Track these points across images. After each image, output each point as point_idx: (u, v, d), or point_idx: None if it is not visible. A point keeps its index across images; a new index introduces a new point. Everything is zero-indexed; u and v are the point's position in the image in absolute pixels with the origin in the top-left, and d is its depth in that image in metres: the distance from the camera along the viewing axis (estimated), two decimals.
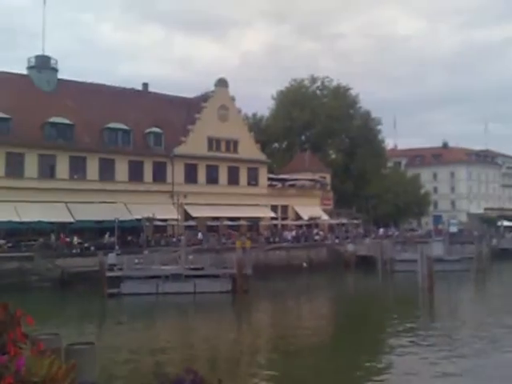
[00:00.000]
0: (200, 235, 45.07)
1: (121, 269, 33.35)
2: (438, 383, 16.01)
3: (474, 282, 41.18)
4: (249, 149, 52.42)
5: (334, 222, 57.63)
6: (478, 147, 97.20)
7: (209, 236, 45.49)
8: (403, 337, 21.78)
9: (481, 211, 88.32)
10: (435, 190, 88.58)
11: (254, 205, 50.49)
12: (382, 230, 63.04)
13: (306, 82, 73.45)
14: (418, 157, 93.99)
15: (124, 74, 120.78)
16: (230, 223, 48.45)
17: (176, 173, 47.75)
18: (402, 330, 23.11)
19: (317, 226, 54.69)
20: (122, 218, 39.59)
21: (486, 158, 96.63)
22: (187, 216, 45.91)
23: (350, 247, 50.13)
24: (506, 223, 78.90)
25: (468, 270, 43.52)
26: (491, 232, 71.32)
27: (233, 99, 52.33)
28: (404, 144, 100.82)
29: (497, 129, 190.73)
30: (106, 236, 40.40)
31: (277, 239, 48.67)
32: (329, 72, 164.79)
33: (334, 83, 72.53)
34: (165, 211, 43.52)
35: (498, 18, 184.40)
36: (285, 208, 55.14)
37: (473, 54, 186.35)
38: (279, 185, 56.52)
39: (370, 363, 18.20)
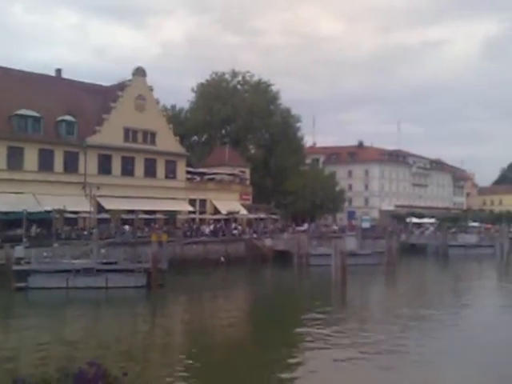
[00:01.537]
0: (127, 227, 43.92)
1: (28, 262, 31.77)
2: (350, 375, 16.16)
3: (385, 275, 42.63)
4: (167, 141, 51.40)
5: (252, 216, 57.81)
6: (391, 147, 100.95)
7: (127, 229, 44.26)
8: (315, 329, 22.04)
9: (392, 208, 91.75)
10: (350, 187, 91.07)
11: (171, 198, 49.63)
12: (306, 226, 64.30)
13: (227, 76, 73.18)
14: (335, 155, 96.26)
15: (36, 59, 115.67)
16: (145, 216, 47.32)
17: (89, 163, 45.96)
18: (315, 323, 23.38)
19: (235, 220, 54.60)
20: (30, 210, 37.51)
21: (397, 157, 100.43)
22: (100, 208, 44.37)
23: (268, 242, 50.46)
24: (414, 220, 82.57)
25: (379, 264, 45.16)
26: (401, 228, 74.31)
27: (151, 89, 51.07)
28: (322, 142, 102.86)
29: (409, 129, 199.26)
30: (34, 228, 38.28)
31: (194, 233, 48.08)
32: (250, 67, 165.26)
33: (255, 78, 72.79)
34: (76, 203, 41.91)
35: (413, 22, 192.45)
36: (203, 202, 54.65)
37: (389, 56, 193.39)
38: (198, 178, 55.93)
39: (282, 357, 18.22)
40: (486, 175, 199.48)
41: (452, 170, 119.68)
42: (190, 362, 17.76)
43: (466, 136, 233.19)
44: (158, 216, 48.70)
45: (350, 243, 48.89)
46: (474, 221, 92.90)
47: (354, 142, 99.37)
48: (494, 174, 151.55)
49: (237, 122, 68.13)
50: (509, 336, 21.41)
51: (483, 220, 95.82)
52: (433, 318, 25.12)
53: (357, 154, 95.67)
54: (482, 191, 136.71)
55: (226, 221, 53.44)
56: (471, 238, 67.13)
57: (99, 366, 3.37)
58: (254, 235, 52.54)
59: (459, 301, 31.81)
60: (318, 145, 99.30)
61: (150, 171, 50.12)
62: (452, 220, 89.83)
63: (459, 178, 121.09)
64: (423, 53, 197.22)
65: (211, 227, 50.74)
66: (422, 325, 23.26)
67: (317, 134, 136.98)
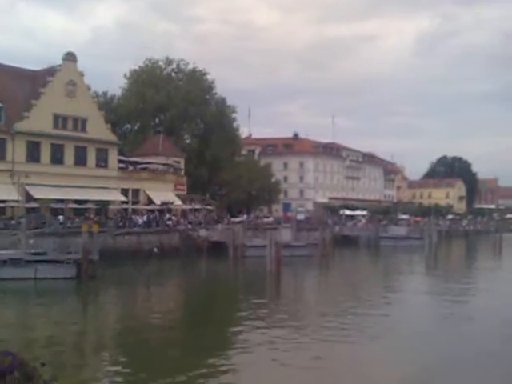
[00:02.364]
0: (61, 218, 42.20)
1: None
2: (284, 366, 15.94)
3: (318, 266, 43.01)
4: (98, 128, 49.58)
5: (187, 207, 56.96)
6: (325, 139, 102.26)
7: (61, 220, 42.59)
8: (249, 320, 21.84)
9: (326, 200, 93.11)
10: (286, 178, 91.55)
11: (102, 188, 48.01)
12: (245, 217, 64.33)
13: (161, 63, 71.49)
14: (271, 146, 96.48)
15: None
16: (76, 206, 45.63)
17: (17, 151, 43.76)
18: (249, 314, 23.19)
19: (169, 211, 53.60)
20: None
21: (332, 150, 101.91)
22: (29, 197, 42.38)
23: (203, 233, 49.98)
24: (347, 212, 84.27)
25: (313, 255, 45.59)
26: (334, 220, 75.61)
27: (81, 75, 49.07)
28: (258, 133, 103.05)
29: (343, 122, 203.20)
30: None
31: (127, 224, 46.85)
32: (185, 55, 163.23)
33: (190, 67, 71.49)
34: (4, 191, 39.94)
35: (348, 16, 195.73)
36: (136, 192, 53.23)
37: (323, 48, 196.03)
38: (130, 168, 54.44)
39: (215, 349, 17.89)
40: (415, 169, 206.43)
41: (383, 163, 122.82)
42: (116, 354, 17.24)
43: (397, 130, 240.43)
44: (89, 206, 47.07)
45: (285, 235, 49.21)
46: (404, 213, 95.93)
47: (289, 134, 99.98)
48: (424, 168, 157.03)
49: (171, 110, 66.73)
50: (430, 319, 23.16)
51: (413, 213, 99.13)
52: (364, 306, 25.62)
53: (292, 145, 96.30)
54: (412, 185, 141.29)
55: (160, 211, 52.39)
56: (401, 230, 69.26)
57: (15, 355, 3.29)
58: (189, 226, 51.85)
59: (389, 289, 32.52)
60: (254, 136, 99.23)
61: (81, 159, 48.29)
62: (383, 212, 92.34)
63: (390, 171, 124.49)
64: (357, 47, 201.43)
65: (144, 218, 49.60)
66: (353, 312, 23.59)
67: (253, 125, 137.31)
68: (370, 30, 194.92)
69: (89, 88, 51.39)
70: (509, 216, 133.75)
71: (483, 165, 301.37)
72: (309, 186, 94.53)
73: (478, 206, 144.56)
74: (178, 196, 56.66)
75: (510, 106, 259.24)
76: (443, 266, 47.01)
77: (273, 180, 75.29)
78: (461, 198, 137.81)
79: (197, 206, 57.78)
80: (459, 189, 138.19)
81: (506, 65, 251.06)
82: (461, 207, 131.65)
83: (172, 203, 54.05)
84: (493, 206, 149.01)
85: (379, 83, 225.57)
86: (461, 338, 19.75)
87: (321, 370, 15.42)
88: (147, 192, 53.85)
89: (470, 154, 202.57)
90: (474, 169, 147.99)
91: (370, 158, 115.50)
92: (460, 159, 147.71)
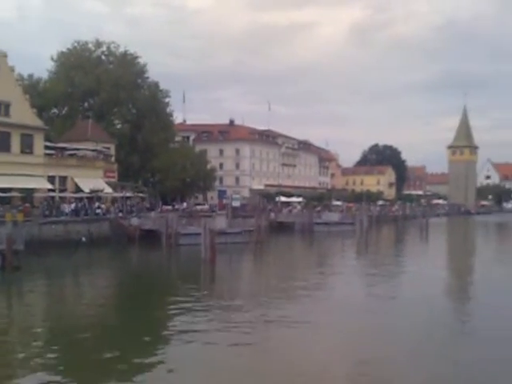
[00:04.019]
0: None
1: None
2: (217, 354, 15.46)
3: (254, 252, 42.81)
4: (23, 113, 46.96)
5: (117, 195, 55.23)
6: (262, 126, 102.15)
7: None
8: (183, 309, 21.19)
9: (262, 187, 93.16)
10: (221, 165, 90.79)
11: (27, 175, 45.64)
12: (185, 204, 63.35)
13: (91, 46, 68.81)
14: (206, 133, 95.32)
15: None
16: None
17: None
18: (182, 302, 22.44)
19: (99, 199, 51.76)
20: None
21: (268, 137, 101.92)
22: None
23: (135, 221, 48.62)
24: (283, 199, 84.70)
25: (248, 242, 45.34)
26: (270, 206, 75.73)
27: (4, 56, 46.36)
28: (193, 119, 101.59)
29: (279, 109, 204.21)
30: None
31: (54, 212, 44.84)
32: (116, 38, 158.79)
33: (121, 50, 69.19)
34: None
35: (284, 3, 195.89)
36: (63, 179, 51.00)
37: (259, 35, 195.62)
38: (58, 154, 52.13)
39: (147, 339, 17.27)
40: (348, 157, 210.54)
41: (318, 150, 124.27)
42: (41, 346, 16.26)
43: (331, 118, 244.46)
44: (14, 194, 44.72)
45: (220, 222, 48.61)
46: (338, 200, 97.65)
47: (225, 121, 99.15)
48: (356, 156, 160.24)
49: (101, 94, 64.39)
50: (359, 298, 23.92)
51: (346, 199, 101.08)
52: (298, 289, 25.70)
53: (228, 132, 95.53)
54: (345, 172, 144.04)
55: (89, 199, 50.51)
56: (334, 216, 70.18)
57: None
58: (120, 214, 50.32)
59: (321, 273, 32.80)
60: (189, 122, 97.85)
61: (4, 145, 45.66)
62: (318, 199, 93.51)
63: (325, 158, 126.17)
64: (293, 34, 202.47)
65: (72, 206, 47.60)
66: (288, 296, 23.67)
67: (187, 111, 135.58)
68: (306, 18, 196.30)
69: (12, 70, 48.63)
70: (435, 202, 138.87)
71: (412, 153, 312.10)
72: (245, 173, 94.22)
73: (406, 192, 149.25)
74: (109, 183, 54.89)
75: (438, 96, 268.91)
76: (373, 250, 47.87)
77: (208, 167, 74.30)
78: (391, 185, 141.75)
79: (128, 194, 56.15)
80: (389, 176, 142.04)
81: (434, 56, 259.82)
82: (391, 193, 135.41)
83: (102, 191, 52.21)
84: (420, 192, 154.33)
85: (315, 71, 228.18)
86: (386, 313, 20.86)
87: (252, 351, 15.47)
88: (75, 179, 51.81)
89: (400, 142, 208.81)
90: (403, 157, 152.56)
91: (305, 146, 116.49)
92: (390, 147, 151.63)
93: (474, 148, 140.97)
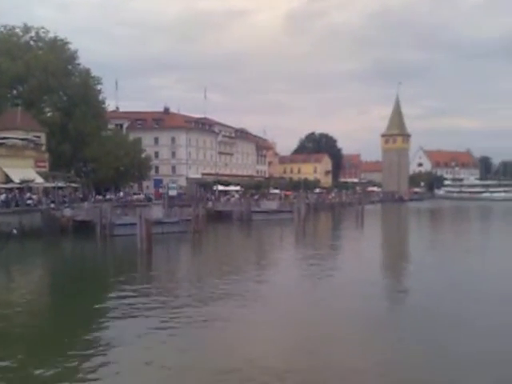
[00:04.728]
0: None
1: None
2: (159, 347, 15.12)
3: (192, 242, 42.45)
4: None
5: (49, 185, 53.25)
6: (197, 114, 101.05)
7: None
8: (118, 301, 20.76)
9: (199, 176, 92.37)
10: (156, 154, 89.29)
11: None
12: (122, 194, 61.83)
13: (18, 31, 65.69)
14: (140, 120, 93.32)
15: None
16: None
17: None
18: (118, 294, 22.02)
19: (30, 189, 49.78)
20: None
21: (204, 125, 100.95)
22: None
23: (67, 212, 47.11)
24: (220, 187, 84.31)
25: (186, 232, 44.91)
26: (208, 195, 75.27)
27: None
28: (127, 107, 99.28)
29: (215, 97, 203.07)
30: None
31: None
32: (46, 23, 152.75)
33: (51, 35, 66.45)
34: None
35: None
36: None
37: (195, 22, 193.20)
38: None
39: (83, 333, 16.73)
40: (286, 145, 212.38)
41: (255, 139, 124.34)
42: None
43: (268, 106, 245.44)
44: None
45: (156, 211, 47.96)
46: (275, 188, 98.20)
47: (160, 108, 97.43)
48: (293, 144, 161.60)
49: (30, 81, 61.63)
50: (295, 281, 24.73)
51: (283, 187, 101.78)
52: (238, 278, 25.63)
53: (163, 120, 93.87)
54: (283, 160, 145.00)
55: (20, 190, 48.51)
56: (272, 204, 70.50)
57: None
58: (52, 205, 48.56)
59: (259, 261, 32.93)
60: (122, 109, 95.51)
61: None
62: (255, 187, 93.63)
63: (262, 147, 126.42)
64: (229, 21, 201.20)
65: (2, 197, 45.70)
66: (228, 285, 23.42)
67: (121, 99, 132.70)
68: (242, 5, 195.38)
69: None
70: (370, 189, 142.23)
71: (347, 141, 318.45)
72: (181, 162, 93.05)
73: (342, 180, 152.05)
74: (40, 173, 52.90)
75: (372, 85, 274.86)
76: (311, 237, 48.44)
77: (143, 155, 72.79)
78: (327, 173, 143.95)
79: (60, 184, 54.26)
80: (326, 164, 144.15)
81: (369, 45, 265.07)
82: (327, 181, 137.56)
83: (32, 181, 50.27)
84: (356, 180, 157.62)
85: (251, 59, 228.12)
86: (324, 297, 21.20)
87: (187, 343, 15.27)
88: (4, 169, 49.72)
89: (336, 131, 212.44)
90: (339, 145, 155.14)
91: (242, 134, 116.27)
92: (326, 136, 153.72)
93: (406, 136, 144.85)
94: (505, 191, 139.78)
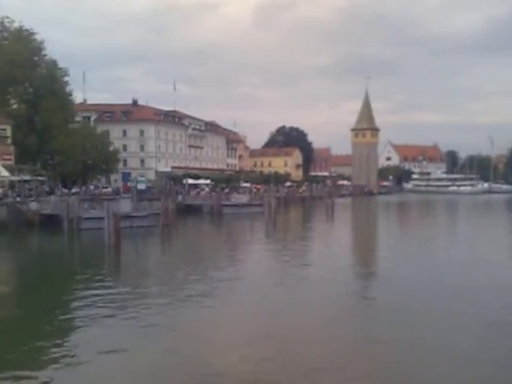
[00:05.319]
0: None
1: None
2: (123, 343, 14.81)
3: (161, 236, 42.00)
4: None
5: (15, 178, 52.22)
6: (167, 107, 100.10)
7: None
8: (85, 297, 20.21)
9: (168, 169, 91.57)
10: (125, 147, 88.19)
11: None
12: (92, 187, 60.77)
13: None
14: (108, 113, 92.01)
15: None
16: None
17: None
18: (85, 290, 21.45)
19: None
20: None
21: (173, 118, 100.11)
22: None
23: (34, 206, 46.24)
24: (190, 181, 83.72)
25: (155, 226, 44.42)
26: (177, 189, 74.68)
27: None
28: (95, 99, 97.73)
29: (185, 90, 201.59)
30: None
31: None
32: (11, 13, 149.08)
33: (16, 25, 64.83)
34: None
35: None
36: None
37: (165, 14, 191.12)
38: None
39: (47, 329, 16.42)
40: (256, 138, 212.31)
41: (226, 132, 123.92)
42: None
43: (238, 100, 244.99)
44: None
45: (125, 205, 47.34)
46: (246, 181, 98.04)
47: (128, 101, 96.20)
48: (264, 138, 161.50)
49: None
50: (267, 274, 24.70)
51: (254, 181, 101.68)
52: (208, 272, 25.42)
53: (132, 112, 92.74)
54: (253, 153, 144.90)
55: None
56: (243, 198, 70.33)
57: None
58: (18, 199, 47.59)
59: (230, 255, 32.66)
60: (90, 102, 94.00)
61: None
62: (226, 181, 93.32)
63: (232, 140, 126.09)
64: (200, 14, 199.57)
65: None
66: (197, 280, 23.12)
67: (88, 91, 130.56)
68: None
69: None
70: (340, 182, 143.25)
71: (318, 135, 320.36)
72: (150, 155, 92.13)
73: (313, 173, 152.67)
74: (5, 166, 51.83)
75: (342, 79, 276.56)
76: (282, 231, 48.40)
77: (111, 148, 71.77)
78: (298, 166, 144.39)
79: (26, 177, 53.20)
80: (296, 157, 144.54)
81: (339, 40, 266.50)
82: (298, 175, 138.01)
83: None
84: (326, 174, 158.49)
85: (221, 52, 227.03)
86: (294, 290, 21.02)
87: (158, 338, 14.99)
88: None
89: (307, 125, 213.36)
90: (310, 139, 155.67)
91: (212, 127, 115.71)
92: (297, 129, 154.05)
93: (375, 130, 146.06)
94: (471, 185, 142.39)
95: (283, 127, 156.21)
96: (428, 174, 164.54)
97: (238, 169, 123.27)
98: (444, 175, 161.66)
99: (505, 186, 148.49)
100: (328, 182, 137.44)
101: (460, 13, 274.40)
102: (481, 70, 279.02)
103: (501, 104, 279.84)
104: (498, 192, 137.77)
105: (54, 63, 66.69)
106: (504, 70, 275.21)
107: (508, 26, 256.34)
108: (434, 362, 13.19)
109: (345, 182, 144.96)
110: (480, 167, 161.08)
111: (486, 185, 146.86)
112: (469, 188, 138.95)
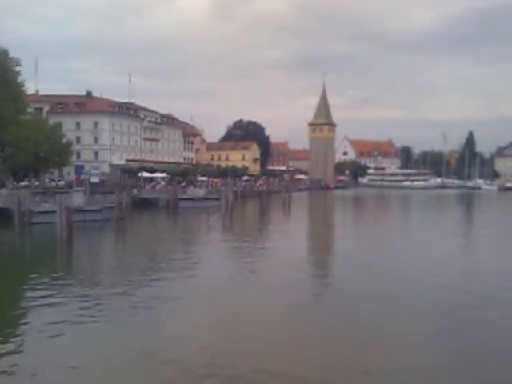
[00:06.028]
0: None
1: None
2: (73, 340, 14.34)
3: (115, 230, 41.25)
4: None
5: None
6: (122, 99, 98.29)
7: None
8: (37, 292, 19.69)
9: (123, 162, 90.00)
10: (78, 139, 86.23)
11: None
12: (47, 180, 59.03)
13: None
14: (61, 104, 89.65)
15: None
16: None
17: None
18: (37, 285, 20.91)
19: None
20: None
21: (128, 110, 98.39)
22: None
23: None
24: (145, 174, 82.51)
25: (109, 219, 43.66)
26: (132, 182, 73.51)
27: None
28: (47, 90, 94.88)
29: (141, 82, 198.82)
30: None
31: None
32: None
33: None
34: None
35: None
36: None
37: (121, 5, 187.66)
38: None
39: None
40: (213, 132, 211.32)
41: (182, 125, 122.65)
42: None
43: (195, 92, 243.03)
44: None
45: (78, 199, 46.18)
46: (203, 175, 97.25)
47: (82, 92, 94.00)
48: (221, 131, 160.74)
49: None
50: (227, 270, 24.17)
51: (211, 174, 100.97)
52: (162, 267, 25.26)
53: (85, 104, 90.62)
54: (211, 147, 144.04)
55: None
56: (199, 192, 69.81)
57: None
58: None
59: (185, 250, 32.32)
60: (42, 93, 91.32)
61: None
62: (182, 174, 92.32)
63: (189, 133, 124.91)
64: (156, 5, 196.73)
65: None
66: (151, 276, 22.76)
67: (41, 82, 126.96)
68: None
69: None
70: (297, 177, 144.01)
71: (275, 129, 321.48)
72: (104, 148, 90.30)
73: (270, 167, 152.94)
74: None
75: (299, 74, 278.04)
76: (238, 225, 48.26)
77: (64, 141, 69.87)
78: (255, 160, 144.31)
79: None
80: (254, 151, 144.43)
81: (296, 34, 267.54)
82: (255, 169, 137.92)
83: None
84: (284, 168, 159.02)
85: (178, 44, 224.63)
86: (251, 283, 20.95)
87: (110, 336, 14.72)
88: None
89: (264, 119, 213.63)
90: (267, 132, 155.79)
91: (168, 120, 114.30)
92: (254, 123, 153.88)
93: (332, 125, 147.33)
94: (424, 180, 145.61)
95: (241, 121, 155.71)
96: (383, 168, 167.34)
97: (194, 162, 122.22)
98: (398, 170, 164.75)
99: (457, 181, 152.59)
100: (285, 176, 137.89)
101: (417, 9, 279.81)
102: (435, 67, 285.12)
103: (453, 101, 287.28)
104: (450, 187, 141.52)
105: (4, 53, 64.29)
106: (457, 67, 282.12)
107: (460, 24, 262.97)
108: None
109: (302, 177, 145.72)
110: (433, 162, 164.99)
111: (438, 180, 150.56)
112: (422, 183, 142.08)
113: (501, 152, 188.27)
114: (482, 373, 12.62)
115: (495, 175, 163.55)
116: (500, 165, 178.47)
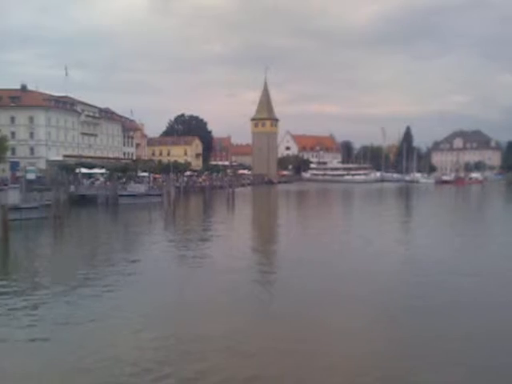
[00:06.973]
0: None
1: None
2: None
3: (53, 228, 39.70)
4: None
5: None
6: (58, 93, 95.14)
7: None
8: None
9: (60, 158, 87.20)
10: (13, 134, 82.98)
11: None
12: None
13: None
14: None
15: None
16: None
17: None
18: None
19: None
20: None
21: (65, 104, 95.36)
22: None
23: None
24: (83, 170, 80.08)
25: (46, 217, 42.17)
26: (70, 179, 71.25)
27: None
28: None
29: (78, 75, 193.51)
30: None
31: None
32: None
33: None
34: None
35: None
36: None
37: None
38: None
39: None
40: (154, 126, 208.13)
41: (122, 120, 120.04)
42: None
43: (135, 86, 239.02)
44: None
45: (13, 196, 44.29)
46: (144, 171, 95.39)
47: (16, 86, 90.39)
48: (163, 126, 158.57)
49: None
50: (171, 268, 24.34)
51: (152, 170, 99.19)
52: (101, 266, 24.55)
53: (20, 98, 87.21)
54: (151, 142, 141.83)
55: None
56: (140, 188, 68.57)
57: None
58: None
59: (125, 247, 31.82)
60: None
61: None
62: (122, 170, 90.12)
63: (129, 128, 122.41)
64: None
65: None
66: (91, 276, 22.02)
67: None
68: None
69: None
70: (241, 172, 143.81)
71: (218, 124, 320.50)
72: (40, 143, 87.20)
73: (213, 162, 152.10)
74: None
75: (241, 69, 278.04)
76: (181, 221, 47.48)
77: None
78: (198, 155, 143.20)
79: None
80: (196, 146, 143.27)
81: (238, 29, 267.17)
82: (198, 164, 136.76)
83: None
84: (227, 163, 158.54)
85: (117, 37, 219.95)
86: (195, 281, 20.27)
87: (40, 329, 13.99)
88: None
89: (206, 114, 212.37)
90: (210, 127, 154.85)
91: (107, 114, 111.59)
92: (197, 118, 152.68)
93: (274, 120, 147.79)
94: (364, 174, 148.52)
95: (182, 115, 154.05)
96: (325, 163, 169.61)
97: (135, 158, 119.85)
98: (340, 165, 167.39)
99: (395, 175, 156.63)
100: (228, 171, 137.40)
101: (359, 6, 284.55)
102: (373, 63, 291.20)
103: (391, 97, 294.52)
104: (389, 180, 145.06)
105: None
106: (394, 63, 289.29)
107: (398, 21, 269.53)
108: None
109: (245, 172, 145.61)
110: (373, 157, 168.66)
111: (378, 174, 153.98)
112: (363, 177, 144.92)
113: (437, 146, 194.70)
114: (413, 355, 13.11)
115: (432, 169, 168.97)
116: (436, 159, 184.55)
